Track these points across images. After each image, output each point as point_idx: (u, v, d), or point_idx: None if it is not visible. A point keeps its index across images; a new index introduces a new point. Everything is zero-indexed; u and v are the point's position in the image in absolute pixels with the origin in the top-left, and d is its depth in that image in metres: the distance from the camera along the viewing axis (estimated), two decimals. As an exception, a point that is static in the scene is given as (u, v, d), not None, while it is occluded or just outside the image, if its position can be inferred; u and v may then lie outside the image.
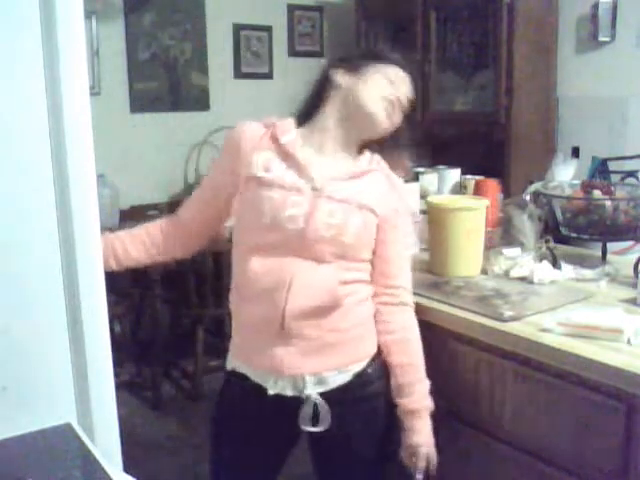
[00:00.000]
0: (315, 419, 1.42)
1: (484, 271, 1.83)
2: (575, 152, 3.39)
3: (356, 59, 1.52)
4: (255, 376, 1.44)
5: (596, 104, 3.40)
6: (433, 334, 1.65)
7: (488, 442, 1.55)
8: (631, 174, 2.90)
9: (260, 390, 1.42)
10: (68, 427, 1.14)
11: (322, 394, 1.41)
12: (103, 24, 3.65)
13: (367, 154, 1.50)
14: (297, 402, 1.41)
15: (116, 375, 1.31)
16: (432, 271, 1.85)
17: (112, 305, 1.36)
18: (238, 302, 1.47)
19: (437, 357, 1.65)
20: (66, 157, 1.11)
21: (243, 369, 1.47)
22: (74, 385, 1.18)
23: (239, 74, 4.19)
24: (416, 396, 1.45)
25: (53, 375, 1.16)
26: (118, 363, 1.63)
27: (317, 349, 1.40)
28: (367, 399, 1.46)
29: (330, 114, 1.47)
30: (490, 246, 1.91)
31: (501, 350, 1.48)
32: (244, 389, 1.46)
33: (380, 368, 1.47)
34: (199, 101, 4.05)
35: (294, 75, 4.43)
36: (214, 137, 3.86)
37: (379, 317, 1.46)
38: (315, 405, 1.41)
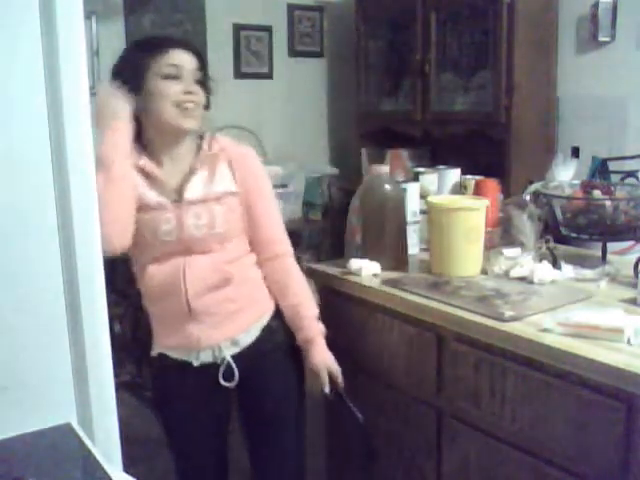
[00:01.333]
0: (232, 377, 1.66)
1: (484, 271, 1.83)
2: (575, 152, 3.39)
3: (127, 70, 1.57)
4: (180, 355, 1.66)
5: (596, 104, 3.39)
6: (433, 334, 1.65)
7: (488, 442, 1.55)
8: (631, 174, 2.90)
9: (185, 364, 1.65)
10: (68, 427, 1.14)
11: (238, 354, 1.66)
12: (103, 24, 3.64)
13: (206, 137, 1.67)
14: (217, 366, 1.66)
15: (116, 375, 1.31)
16: (432, 271, 1.85)
17: (112, 305, 1.36)
18: (149, 304, 1.69)
19: (437, 357, 1.65)
20: (66, 157, 1.11)
21: (169, 353, 1.68)
22: (74, 385, 1.18)
23: (239, 74, 4.18)
24: (307, 328, 1.69)
25: (53, 375, 1.16)
26: (118, 363, 1.63)
27: (222, 319, 1.64)
28: (276, 349, 1.70)
29: (146, 128, 1.61)
30: (490, 246, 1.91)
31: (501, 350, 1.48)
32: (172, 366, 1.67)
33: (282, 319, 1.71)
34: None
35: (294, 75, 4.43)
36: (214, 137, 3.86)
37: (264, 273, 1.70)
38: (228, 364, 1.65)
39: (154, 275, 1.61)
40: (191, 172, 1.62)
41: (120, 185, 1.50)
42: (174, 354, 1.67)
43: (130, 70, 1.56)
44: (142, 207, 1.56)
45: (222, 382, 1.66)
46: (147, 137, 1.61)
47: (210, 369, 1.66)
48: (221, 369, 1.66)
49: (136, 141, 1.59)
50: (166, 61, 1.55)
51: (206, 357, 1.65)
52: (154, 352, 1.71)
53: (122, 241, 1.53)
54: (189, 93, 1.56)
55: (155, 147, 1.62)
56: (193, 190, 1.60)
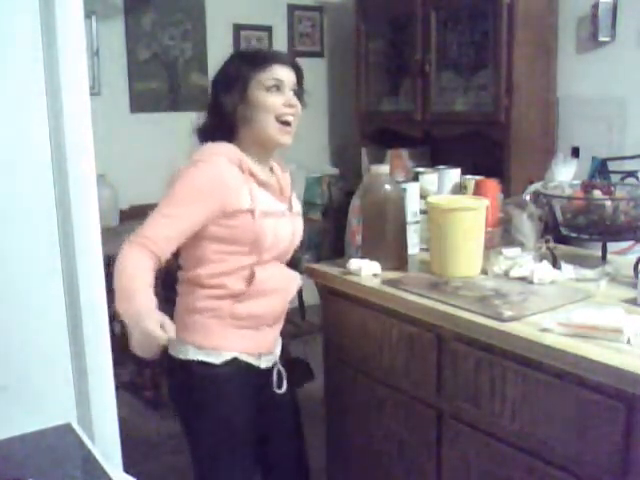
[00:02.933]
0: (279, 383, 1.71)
1: (484, 271, 1.83)
2: (575, 152, 3.39)
3: (231, 79, 1.62)
4: (250, 358, 1.63)
5: (596, 104, 3.39)
6: (433, 334, 1.65)
7: (488, 442, 1.55)
8: (631, 174, 2.90)
9: (250, 369, 1.64)
10: (68, 427, 1.14)
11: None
12: (103, 24, 3.65)
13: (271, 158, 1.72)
14: (268, 372, 1.69)
15: (116, 375, 1.31)
16: (432, 271, 1.85)
17: (112, 305, 1.37)
18: (240, 306, 1.60)
19: (437, 357, 1.65)
20: (66, 157, 1.11)
21: (242, 356, 1.62)
22: (74, 385, 1.18)
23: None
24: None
25: (53, 375, 1.16)
26: (118, 363, 1.63)
27: (281, 324, 1.73)
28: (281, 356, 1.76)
29: (243, 138, 1.63)
30: (490, 246, 1.91)
31: (501, 350, 1.48)
32: (239, 372, 1.62)
33: None
34: (199, 101, 4.05)
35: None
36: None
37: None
38: (279, 371, 1.71)
39: (267, 277, 1.61)
40: (279, 183, 1.70)
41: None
42: (246, 357, 1.64)
43: (235, 79, 1.61)
44: (264, 213, 1.58)
45: (275, 389, 1.70)
46: (242, 147, 1.63)
47: (266, 374, 1.69)
48: (274, 375, 1.70)
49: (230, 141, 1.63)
50: (270, 75, 1.60)
51: (267, 362, 1.69)
52: (223, 357, 1.60)
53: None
54: (290, 106, 1.62)
55: (250, 157, 1.63)
56: (295, 203, 1.75)
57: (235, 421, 1.64)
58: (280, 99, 1.61)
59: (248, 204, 1.55)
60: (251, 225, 1.56)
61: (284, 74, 1.62)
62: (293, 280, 1.74)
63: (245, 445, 1.67)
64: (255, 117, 1.60)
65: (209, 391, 1.61)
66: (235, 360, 1.61)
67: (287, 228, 1.67)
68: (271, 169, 1.71)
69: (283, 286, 1.69)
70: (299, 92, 1.67)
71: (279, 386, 1.71)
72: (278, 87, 1.61)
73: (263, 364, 1.67)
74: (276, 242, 1.61)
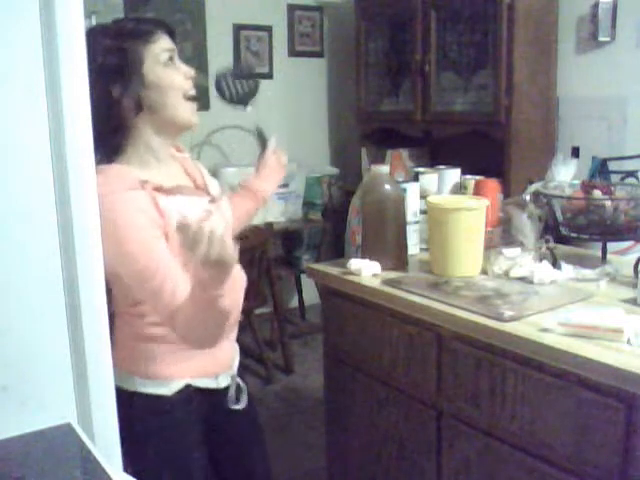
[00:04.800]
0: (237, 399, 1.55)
1: (484, 271, 1.83)
2: (575, 152, 3.39)
3: (119, 58, 1.34)
4: (205, 383, 1.48)
5: (596, 104, 3.40)
6: (433, 334, 1.65)
7: (488, 442, 1.55)
8: (631, 174, 2.90)
9: (203, 392, 1.48)
10: (68, 427, 1.14)
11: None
12: (103, 24, 3.65)
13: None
14: (224, 390, 1.52)
15: (116, 375, 1.31)
16: (432, 271, 1.85)
17: (112, 305, 1.37)
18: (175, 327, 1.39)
19: (437, 357, 1.65)
20: (66, 157, 1.11)
21: (195, 382, 1.46)
22: (74, 385, 1.18)
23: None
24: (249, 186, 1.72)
25: (53, 375, 1.16)
26: (118, 363, 1.62)
27: (234, 332, 1.56)
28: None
29: (142, 131, 1.40)
30: (490, 246, 1.91)
31: (501, 350, 1.48)
32: (194, 398, 1.46)
33: None
34: (199, 101, 4.05)
35: (294, 75, 4.43)
36: (214, 137, 3.87)
37: None
38: (237, 385, 1.54)
39: None
40: (185, 171, 1.52)
41: None
42: (201, 382, 1.47)
43: (121, 60, 1.34)
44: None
45: (232, 406, 1.54)
46: (140, 147, 1.41)
47: (221, 393, 1.53)
48: (231, 391, 1.53)
49: (124, 156, 1.40)
50: (161, 46, 1.38)
51: (224, 380, 1.53)
52: (173, 388, 1.43)
53: None
54: (190, 78, 1.42)
55: (151, 156, 1.43)
56: (212, 187, 1.55)
57: (185, 451, 1.47)
58: (179, 73, 1.39)
59: (172, 225, 1.28)
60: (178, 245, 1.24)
61: (169, 41, 1.40)
62: (240, 280, 1.47)
63: (197, 475, 1.49)
64: (162, 101, 1.37)
65: (154, 423, 1.44)
66: (188, 387, 1.45)
67: (220, 226, 1.26)
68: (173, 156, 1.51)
69: (230, 291, 1.36)
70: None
71: (237, 401, 1.55)
72: (172, 58, 1.39)
73: (222, 383, 1.52)
74: None
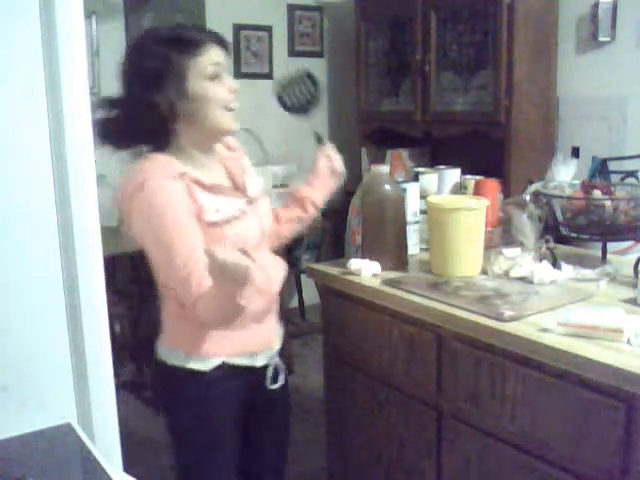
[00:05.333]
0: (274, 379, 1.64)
1: (484, 271, 1.83)
2: (575, 152, 3.39)
3: (163, 69, 1.40)
4: (243, 360, 1.56)
5: (596, 104, 3.40)
6: (433, 334, 1.65)
7: (488, 442, 1.55)
8: (631, 174, 2.90)
9: (241, 370, 1.56)
10: (68, 427, 1.14)
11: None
12: (103, 24, 3.64)
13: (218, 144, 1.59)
14: (263, 369, 1.62)
15: (116, 375, 1.31)
16: (432, 271, 1.85)
17: (112, 305, 1.36)
18: None
19: (437, 357, 1.65)
20: (66, 157, 1.11)
21: (233, 360, 1.55)
22: (74, 385, 1.18)
23: (239, 74, 4.19)
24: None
25: (53, 375, 1.16)
26: (118, 363, 1.63)
27: (275, 318, 1.65)
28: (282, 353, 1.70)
29: (183, 133, 1.48)
30: (490, 246, 1.91)
31: (501, 350, 1.48)
32: (230, 375, 1.55)
33: None
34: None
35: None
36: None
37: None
38: (276, 366, 1.64)
39: None
40: (228, 171, 1.58)
41: None
42: (237, 361, 1.56)
43: (165, 71, 1.40)
44: (223, 222, 1.45)
45: (270, 385, 1.63)
46: (185, 147, 1.48)
47: (259, 372, 1.62)
48: (270, 371, 1.63)
49: (171, 152, 1.48)
50: (208, 60, 1.43)
51: (262, 359, 1.62)
52: (211, 364, 1.53)
53: None
54: (233, 92, 1.48)
55: (195, 156, 1.50)
56: (251, 187, 1.59)
57: (218, 423, 1.57)
58: (223, 86, 1.45)
59: (204, 217, 1.43)
60: (209, 237, 1.42)
61: (219, 55, 1.45)
62: (273, 269, 1.60)
63: (228, 447, 1.61)
64: (200, 112, 1.44)
65: (192, 396, 1.55)
66: (224, 364, 1.54)
67: (253, 225, 1.53)
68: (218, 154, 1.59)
69: (261, 279, 1.47)
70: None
71: (274, 381, 1.64)
72: (218, 74, 1.44)
73: (259, 362, 1.61)
74: (243, 244, 1.44)
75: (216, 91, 1.44)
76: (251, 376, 1.60)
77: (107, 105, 1.46)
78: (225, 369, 1.54)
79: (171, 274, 1.41)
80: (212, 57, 1.44)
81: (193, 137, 1.48)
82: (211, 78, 1.44)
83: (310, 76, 1.88)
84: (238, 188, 1.57)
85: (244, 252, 1.27)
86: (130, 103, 1.44)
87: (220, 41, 1.47)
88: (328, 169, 1.79)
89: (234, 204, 1.50)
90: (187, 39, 1.42)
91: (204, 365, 1.52)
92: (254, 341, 1.59)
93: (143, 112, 1.41)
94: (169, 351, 1.55)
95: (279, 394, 1.68)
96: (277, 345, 1.67)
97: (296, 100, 1.90)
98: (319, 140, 1.80)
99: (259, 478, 1.76)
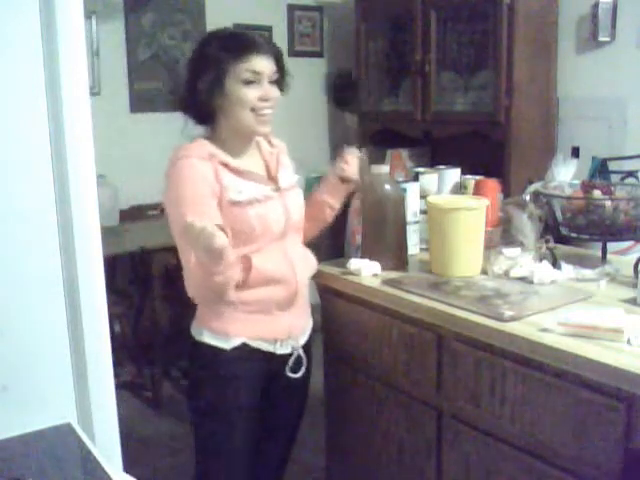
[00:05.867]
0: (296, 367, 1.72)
1: (484, 271, 1.83)
2: (575, 152, 3.39)
3: (210, 64, 1.57)
4: (263, 345, 1.65)
5: (596, 104, 3.39)
6: (433, 334, 1.65)
7: (488, 442, 1.55)
8: (631, 174, 2.89)
9: (262, 355, 1.65)
10: (68, 427, 1.14)
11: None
12: (103, 24, 3.64)
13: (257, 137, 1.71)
14: (286, 357, 1.69)
15: (116, 375, 1.31)
16: (432, 271, 1.85)
17: (112, 305, 1.37)
18: (244, 294, 1.61)
19: (437, 357, 1.65)
20: (66, 157, 1.11)
21: (253, 343, 1.64)
22: (74, 385, 1.18)
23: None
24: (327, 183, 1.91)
25: (53, 375, 1.16)
26: (118, 363, 1.63)
27: (306, 308, 1.76)
28: (310, 345, 1.79)
29: (222, 127, 1.64)
30: (490, 246, 1.91)
31: (501, 350, 1.48)
32: (250, 358, 1.64)
33: None
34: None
35: (294, 75, 4.42)
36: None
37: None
38: (298, 356, 1.71)
39: (263, 264, 1.60)
40: (266, 163, 1.71)
41: None
42: (257, 344, 1.65)
43: (210, 66, 1.57)
44: (246, 202, 1.58)
45: (289, 373, 1.70)
46: (222, 134, 1.64)
47: (280, 360, 1.69)
48: (291, 360, 1.70)
49: (211, 136, 1.64)
50: (247, 67, 1.57)
51: (284, 348, 1.69)
52: (231, 343, 1.63)
53: None
54: (265, 100, 1.59)
55: (231, 143, 1.64)
56: (284, 179, 1.71)
57: (235, 401, 1.65)
58: (256, 92, 1.58)
59: (227, 196, 1.57)
60: (233, 216, 1.56)
61: (262, 65, 1.58)
62: (301, 261, 1.71)
63: (243, 430, 1.68)
64: (230, 109, 1.59)
65: (212, 372, 1.65)
66: (244, 345, 1.63)
67: (276, 210, 1.64)
68: (258, 146, 1.72)
69: (286, 270, 1.65)
70: (279, 78, 1.64)
71: (295, 370, 1.70)
72: (254, 80, 1.57)
73: (280, 350, 1.67)
74: (266, 228, 1.61)
75: (247, 94, 1.57)
76: (272, 363, 1.67)
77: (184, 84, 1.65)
78: (245, 350, 1.63)
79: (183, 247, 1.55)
80: (252, 65, 1.57)
81: (228, 128, 1.63)
82: (245, 83, 1.57)
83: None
84: (272, 178, 1.69)
85: (221, 228, 1.40)
86: (185, 84, 1.64)
87: (271, 53, 1.61)
88: (346, 174, 1.86)
89: (260, 189, 1.63)
90: (237, 44, 1.58)
91: (225, 344, 1.62)
92: (276, 328, 1.66)
93: (190, 94, 1.60)
94: (197, 328, 1.67)
95: (298, 385, 1.75)
96: (303, 338, 1.74)
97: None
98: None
99: (265, 453, 1.83)
